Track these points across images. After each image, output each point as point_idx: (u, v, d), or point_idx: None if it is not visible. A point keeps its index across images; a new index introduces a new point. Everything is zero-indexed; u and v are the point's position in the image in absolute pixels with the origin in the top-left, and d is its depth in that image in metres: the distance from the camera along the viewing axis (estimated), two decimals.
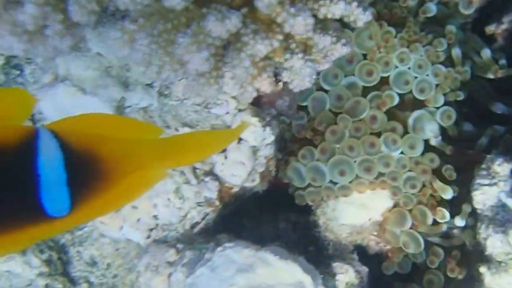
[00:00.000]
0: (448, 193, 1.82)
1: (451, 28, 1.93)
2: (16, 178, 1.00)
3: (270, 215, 2.17)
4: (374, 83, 1.91)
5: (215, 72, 1.49)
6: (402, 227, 1.87)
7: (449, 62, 1.95)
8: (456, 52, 1.92)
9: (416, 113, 1.88)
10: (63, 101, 1.60)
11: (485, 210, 1.68)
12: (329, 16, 1.51)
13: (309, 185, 1.91)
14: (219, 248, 1.69)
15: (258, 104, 1.81)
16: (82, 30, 1.47)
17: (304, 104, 1.95)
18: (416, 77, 1.91)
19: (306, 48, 1.55)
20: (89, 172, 1.05)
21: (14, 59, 1.97)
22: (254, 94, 1.53)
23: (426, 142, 1.89)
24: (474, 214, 1.75)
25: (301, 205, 2.02)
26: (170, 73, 1.45)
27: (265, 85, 1.51)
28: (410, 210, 1.88)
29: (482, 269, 1.66)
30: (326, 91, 1.93)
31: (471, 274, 1.77)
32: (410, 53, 1.91)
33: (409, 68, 1.92)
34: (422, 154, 1.88)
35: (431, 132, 1.87)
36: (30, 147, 1.01)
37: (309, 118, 1.93)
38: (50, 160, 1.01)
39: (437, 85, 1.91)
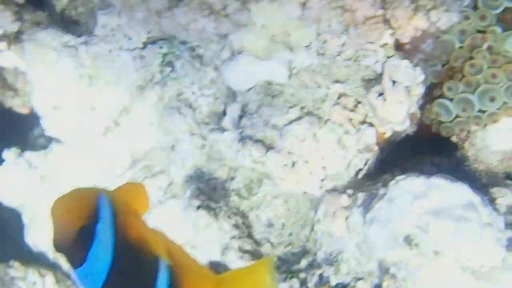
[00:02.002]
0: None
1: None
2: None
3: (414, 160, 2.28)
4: None
5: (376, 18, 1.64)
6: None
7: None
8: None
9: None
10: (246, 68, 1.80)
11: None
12: None
13: (456, 117, 2.01)
14: (392, 182, 1.82)
15: (404, 50, 1.94)
16: (248, 4, 1.65)
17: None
18: None
19: None
20: None
21: (167, 57, 2.19)
22: (413, 33, 1.66)
23: None
24: None
25: (442, 147, 2.13)
26: (338, 26, 1.60)
27: (422, 22, 1.65)
28: None
29: None
30: None
31: None
32: None
33: None
34: None
35: None
36: None
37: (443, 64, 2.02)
38: None
39: None
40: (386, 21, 1.65)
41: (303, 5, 1.57)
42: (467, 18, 2.00)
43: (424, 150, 2.25)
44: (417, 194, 1.75)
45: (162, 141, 2.19)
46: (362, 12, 1.55)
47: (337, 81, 1.97)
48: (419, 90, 1.92)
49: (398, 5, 1.58)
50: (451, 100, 2.01)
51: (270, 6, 1.62)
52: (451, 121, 2.04)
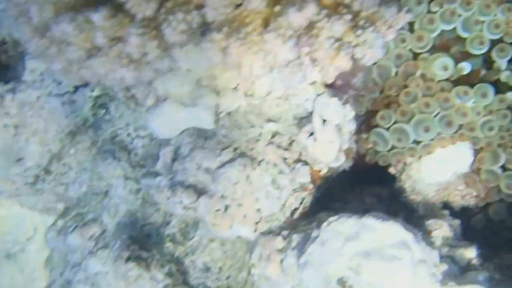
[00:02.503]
0: None
1: None
2: None
3: (355, 192, 2.28)
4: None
5: (298, 60, 1.63)
6: (497, 164, 1.97)
7: None
8: None
9: None
10: (170, 116, 1.76)
11: None
12: None
13: (392, 147, 2.02)
14: (324, 224, 1.80)
15: (334, 87, 1.94)
16: (173, 49, 1.62)
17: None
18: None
19: (373, 22, 1.68)
20: None
21: (99, 99, 2.15)
22: (336, 73, 1.66)
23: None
24: None
25: (382, 178, 2.14)
26: (261, 69, 1.59)
27: (345, 63, 1.64)
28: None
29: None
30: None
31: None
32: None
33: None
34: None
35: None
36: None
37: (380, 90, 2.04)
38: None
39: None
40: (313, 60, 1.64)
41: (224, 50, 1.54)
42: (403, 40, 2.04)
43: (365, 180, 2.26)
44: (349, 235, 1.73)
45: (96, 187, 2.14)
46: (283, 56, 1.54)
47: (270, 120, 1.95)
48: (350, 127, 1.92)
49: (319, 47, 1.57)
50: (387, 129, 2.02)
51: (194, 50, 1.59)
52: (387, 151, 2.06)
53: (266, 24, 1.61)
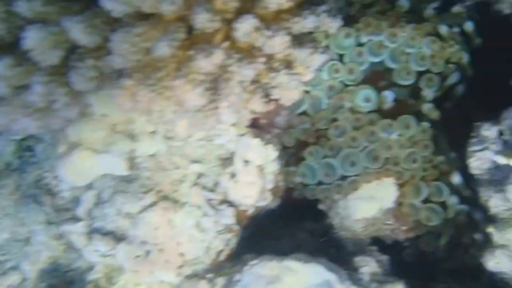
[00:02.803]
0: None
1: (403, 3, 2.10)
2: None
3: (287, 229, 2.27)
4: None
5: (212, 104, 1.62)
6: (419, 198, 1.99)
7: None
8: (443, 29, 2.07)
9: None
10: (81, 164, 1.71)
11: (483, 174, 1.80)
12: (303, 31, 1.65)
13: (319, 183, 2.02)
14: (245, 267, 1.78)
15: (258, 126, 1.93)
16: (85, 96, 1.59)
17: (301, 110, 2.06)
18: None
19: (288, 64, 1.69)
20: None
21: (24, 142, 2.09)
22: (250, 116, 1.65)
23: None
24: (473, 180, 1.87)
25: (314, 212, 2.13)
26: (172, 115, 1.57)
27: (259, 105, 1.64)
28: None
29: (490, 229, 1.76)
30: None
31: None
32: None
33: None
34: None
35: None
36: None
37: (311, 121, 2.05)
38: None
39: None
40: (227, 104, 1.63)
41: (134, 96, 1.52)
42: (337, 71, 2.04)
43: (298, 216, 2.25)
44: (270, 278, 1.71)
45: (18, 233, 2.07)
46: (193, 102, 1.52)
47: (194, 161, 1.93)
48: (273, 167, 1.91)
49: (231, 91, 1.56)
50: (315, 163, 2.02)
51: (107, 96, 1.56)
52: (315, 185, 2.05)
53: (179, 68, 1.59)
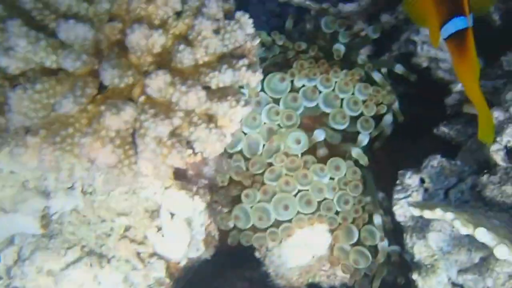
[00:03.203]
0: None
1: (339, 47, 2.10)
2: None
3: (226, 278, 2.21)
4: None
5: (127, 160, 1.56)
6: (351, 241, 1.96)
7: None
8: (376, 75, 2.10)
9: None
10: None
11: (407, 221, 1.82)
12: (221, 85, 1.62)
13: (253, 227, 1.97)
14: None
15: (185, 177, 1.88)
16: None
17: (238, 149, 2.03)
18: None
19: (209, 117, 1.64)
20: None
21: None
22: (169, 172, 1.60)
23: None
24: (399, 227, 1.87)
25: (251, 260, 2.08)
26: (82, 172, 1.51)
27: (177, 160, 1.58)
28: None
29: (414, 276, 1.76)
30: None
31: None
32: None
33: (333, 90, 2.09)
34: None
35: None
36: None
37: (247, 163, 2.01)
38: None
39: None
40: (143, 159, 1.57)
41: (39, 154, 1.45)
42: (276, 113, 2.03)
43: (236, 264, 2.20)
44: None
45: None
46: (103, 160, 1.46)
47: (121, 214, 1.87)
48: (201, 219, 1.86)
49: (144, 148, 1.51)
50: (249, 206, 1.97)
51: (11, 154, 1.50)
52: (249, 230, 2.00)
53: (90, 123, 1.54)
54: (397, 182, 1.88)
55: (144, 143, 1.54)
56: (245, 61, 1.67)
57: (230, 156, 2.02)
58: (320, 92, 2.09)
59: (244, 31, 1.69)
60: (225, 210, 1.99)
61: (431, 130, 2.10)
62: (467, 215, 1.46)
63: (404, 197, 1.81)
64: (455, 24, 1.59)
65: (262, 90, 2.08)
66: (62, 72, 1.51)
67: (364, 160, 2.00)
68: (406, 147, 2.14)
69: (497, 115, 1.73)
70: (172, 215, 1.83)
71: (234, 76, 1.62)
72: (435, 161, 1.88)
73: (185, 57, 1.56)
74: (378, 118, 2.11)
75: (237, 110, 1.65)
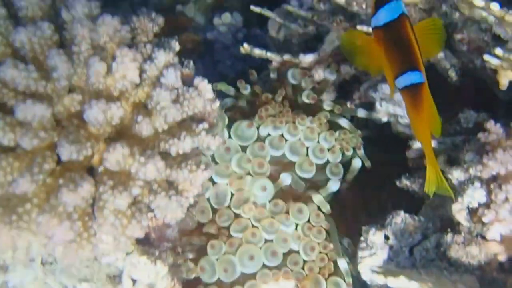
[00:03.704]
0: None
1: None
2: None
3: None
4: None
5: (86, 232, 1.54)
6: None
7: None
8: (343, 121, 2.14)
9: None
10: None
11: (373, 281, 1.79)
12: (180, 152, 1.61)
13: (219, 282, 1.96)
14: None
15: (148, 239, 1.86)
16: None
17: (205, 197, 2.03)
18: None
19: (170, 184, 1.64)
20: None
21: None
22: (129, 243, 1.58)
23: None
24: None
25: None
26: (40, 249, 1.48)
27: (137, 231, 1.57)
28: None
29: None
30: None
31: None
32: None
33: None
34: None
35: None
36: None
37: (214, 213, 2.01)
38: None
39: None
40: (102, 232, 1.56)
41: None
42: (248, 161, 2.03)
43: None
44: None
45: None
46: (60, 236, 1.45)
47: (83, 280, 1.84)
48: (164, 284, 1.84)
49: (103, 222, 1.50)
50: (215, 258, 1.96)
51: None
52: (214, 284, 1.97)
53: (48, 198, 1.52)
54: (362, 238, 1.88)
55: (103, 216, 1.53)
56: (205, 125, 1.67)
57: (194, 204, 2.01)
58: (286, 140, 2.10)
59: (203, 97, 1.70)
60: (191, 265, 1.97)
61: (394, 177, 2.12)
62: (432, 283, 1.47)
63: (369, 255, 1.80)
64: (410, 78, 1.61)
65: (229, 137, 2.09)
66: (20, 148, 1.49)
67: (326, 208, 2.02)
68: (371, 193, 2.17)
69: (457, 175, 1.76)
70: (134, 281, 1.80)
71: (193, 143, 1.62)
72: (399, 217, 1.89)
73: (144, 129, 1.56)
74: (344, 164, 2.13)
75: (197, 174, 1.65)
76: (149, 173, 1.54)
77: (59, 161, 1.55)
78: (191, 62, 1.82)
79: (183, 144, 1.60)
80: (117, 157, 1.49)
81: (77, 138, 1.49)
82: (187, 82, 1.74)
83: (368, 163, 2.14)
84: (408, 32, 1.59)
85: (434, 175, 1.65)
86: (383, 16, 1.62)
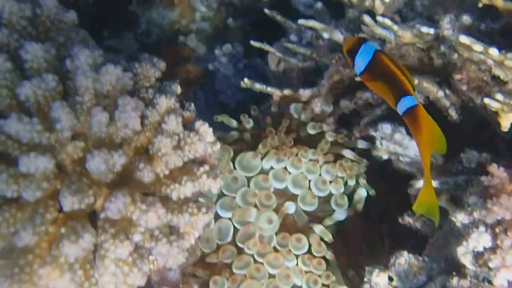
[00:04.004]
0: None
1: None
2: None
3: None
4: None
5: (87, 282, 1.54)
6: None
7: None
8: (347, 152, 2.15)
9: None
10: None
11: None
12: (182, 197, 1.62)
13: None
14: None
15: (149, 283, 1.86)
16: None
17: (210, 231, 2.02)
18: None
19: (171, 229, 1.64)
20: None
21: None
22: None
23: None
24: None
25: None
26: None
27: (139, 279, 1.57)
28: None
29: None
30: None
31: None
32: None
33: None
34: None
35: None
36: None
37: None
38: None
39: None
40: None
41: None
42: (254, 195, 2.02)
43: None
44: None
45: None
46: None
47: None
48: None
49: (104, 271, 1.51)
50: None
51: None
52: None
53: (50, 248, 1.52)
54: (365, 279, 1.88)
55: (104, 265, 1.53)
56: (206, 167, 1.67)
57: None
58: (289, 173, 2.11)
59: (203, 141, 1.70)
60: None
61: (395, 207, 2.11)
62: None
63: None
64: (404, 103, 1.70)
65: (234, 168, 2.10)
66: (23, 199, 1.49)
67: (328, 237, 2.02)
68: (371, 225, 2.18)
69: (461, 218, 1.75)
70: None
71: (194, 187, 1.62)
72: (402, 258, 1.88)
73: (145, 176, 1.57)
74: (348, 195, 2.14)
75: (198, 218, 1.65)
76: (151, 221, 1.54)
77: (61, 208, 1.56)
78: (192, 104, 1.83)
79: (184, 189, 1.61)
80: (118, 206, 1.50)
81: (79, 188, 1.49)
82: (188, 125, 1.74)
83: (372, 191, 2.14)
84: (387, 65, 1.71)
85: (427, 197, 1.70)
86: (361, 62, 1.76)
